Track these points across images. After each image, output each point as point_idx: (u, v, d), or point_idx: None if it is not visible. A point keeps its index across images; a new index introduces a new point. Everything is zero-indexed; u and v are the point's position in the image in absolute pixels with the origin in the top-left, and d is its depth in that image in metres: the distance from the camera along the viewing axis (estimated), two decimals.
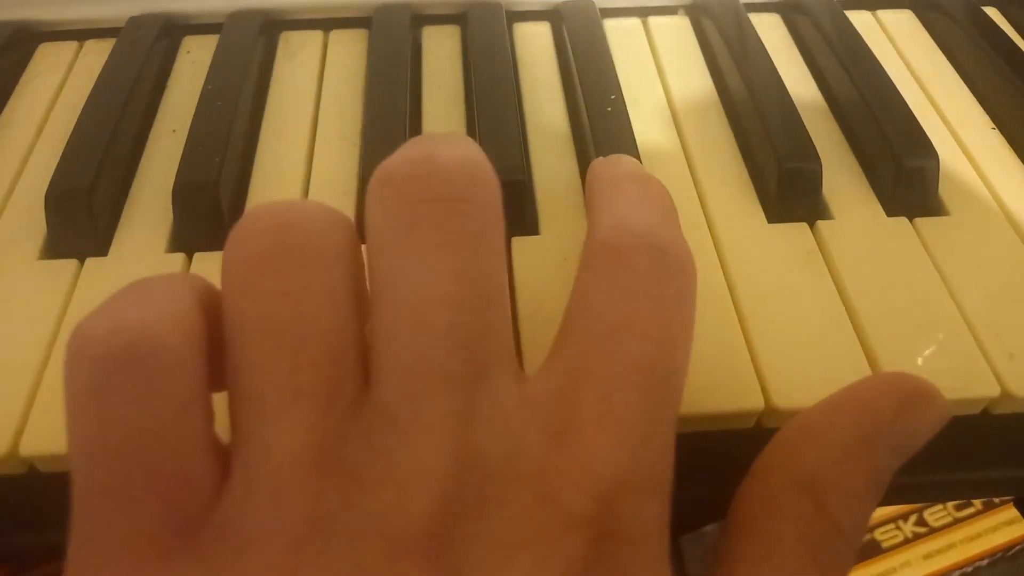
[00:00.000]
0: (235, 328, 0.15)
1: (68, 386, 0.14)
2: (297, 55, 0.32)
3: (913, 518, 0.63)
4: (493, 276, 0.16)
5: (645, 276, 0.16)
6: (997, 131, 0.29)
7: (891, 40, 0.33)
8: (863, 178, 0.27)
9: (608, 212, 0.18)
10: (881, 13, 0.34)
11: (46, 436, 0.20)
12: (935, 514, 0.64)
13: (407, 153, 0.16)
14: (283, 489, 0.13)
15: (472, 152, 0.16)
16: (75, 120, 0.27)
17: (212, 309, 0.15)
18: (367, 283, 0.16)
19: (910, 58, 0.32)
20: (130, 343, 0.14)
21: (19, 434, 0.20)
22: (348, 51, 0.32)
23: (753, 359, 0.22)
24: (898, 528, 0.63)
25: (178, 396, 0.14)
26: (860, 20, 0.33)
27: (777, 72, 0.29)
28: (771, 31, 0.33)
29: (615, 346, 0.15)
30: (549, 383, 0.15)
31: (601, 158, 0.23)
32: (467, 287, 0.15)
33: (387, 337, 0.15)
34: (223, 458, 0.15)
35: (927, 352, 0.22)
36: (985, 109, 0.30)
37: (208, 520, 0.14)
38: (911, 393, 0.16)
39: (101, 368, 0.14)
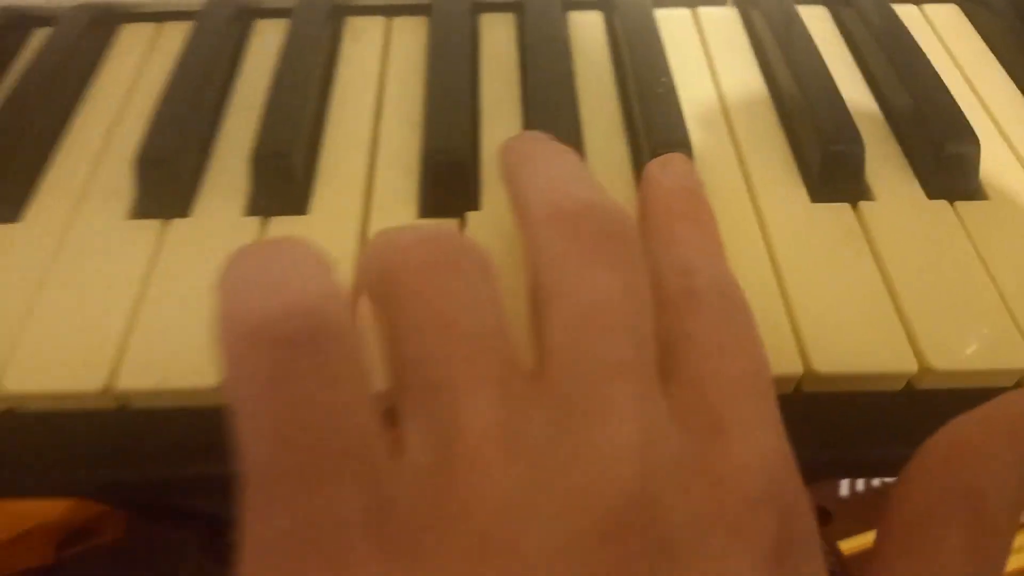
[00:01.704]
0: (410, 328, 0.15)
1: (240, 367, 0.14)
2: (361, 39, 0.33)
3: None
4: (647, 295, 0.17)
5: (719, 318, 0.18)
6: None
7: (936, 33, 0.34)
8: (905, 163, 0.28)
9: (667, 256, 0.19)
10: (927, 7, 0.35)
11: (141, 372, 0.22)
12: None
13: (570, 191, 0.18)
14: (479, 463, 0.14)
15: (620, 205, 0.19)
16: (157, 96, 0.29)
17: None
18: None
19: (955, 51, 0.33)
20: (314, 328, 0.14)
21: (115, 371, 0.22)
22: (409, 37, 0.34)
23: (795, 328, 0.23)
24: None
25: (360, 378, 0.14)
26: (906, 13, 0.34)
27: (823, 60, 0.30)
28: (818, 23, 0.34)
29: (730, 360, 0.17)
30: (678, 393, 0.17)
31: (655, 161, 0.24)
32: (633, 298, 0.17)
33: (566, 335, 0.16)
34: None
35: (964, 330, 0.23)
36: None
37: (394, 503, 0.14)
38: None
39: (283, 353, 0.14)
